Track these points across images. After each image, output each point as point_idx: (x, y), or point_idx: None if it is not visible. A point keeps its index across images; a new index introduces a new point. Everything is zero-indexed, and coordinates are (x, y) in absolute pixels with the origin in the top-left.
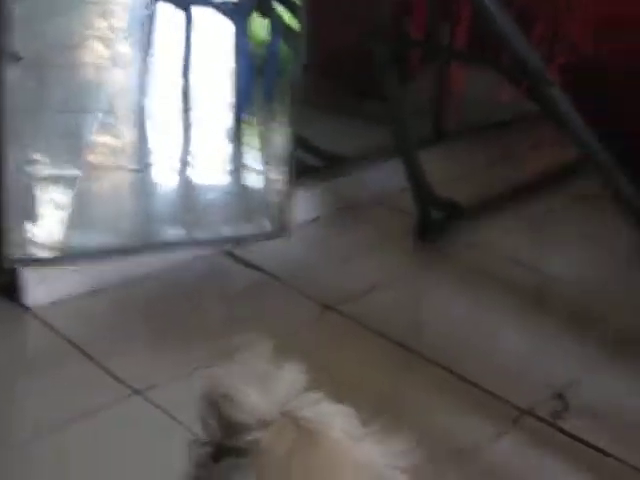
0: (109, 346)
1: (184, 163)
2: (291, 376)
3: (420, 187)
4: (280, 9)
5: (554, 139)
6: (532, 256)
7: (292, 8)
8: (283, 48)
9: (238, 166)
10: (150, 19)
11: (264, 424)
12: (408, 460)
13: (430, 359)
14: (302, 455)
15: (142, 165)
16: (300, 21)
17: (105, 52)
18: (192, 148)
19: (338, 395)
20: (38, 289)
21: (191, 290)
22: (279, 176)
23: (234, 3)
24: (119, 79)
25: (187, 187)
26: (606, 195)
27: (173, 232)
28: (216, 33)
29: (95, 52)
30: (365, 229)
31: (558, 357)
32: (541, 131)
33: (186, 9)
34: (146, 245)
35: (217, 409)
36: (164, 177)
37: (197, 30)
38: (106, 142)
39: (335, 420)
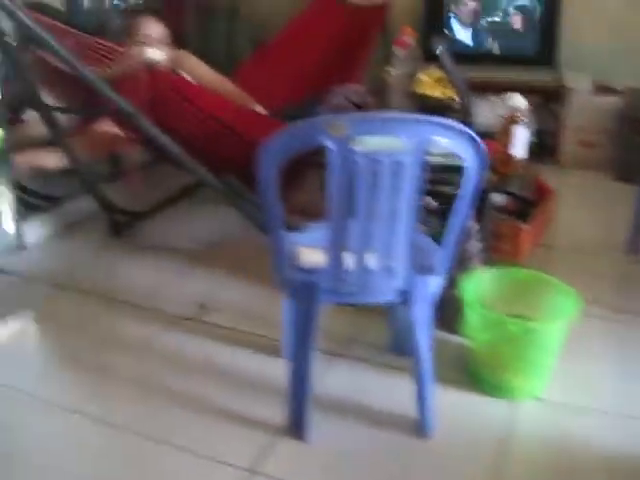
0: None
1: None
2: None
3: (107, 205)
4: None
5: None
6: (184, 234)
7: None
8: None
9: None
10: None
11: None
12: None
13: (123, 300)
14: None
15: None
16: None
17: None
18: None
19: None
20: None
21: None
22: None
23: None
24: None
25: None
26: (214, 198)
27: None
28: None
29: None
30: (79, 237)
31: (199, 283)
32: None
33: None
34: None
35: None
36: None
37: None
38: None
39: None
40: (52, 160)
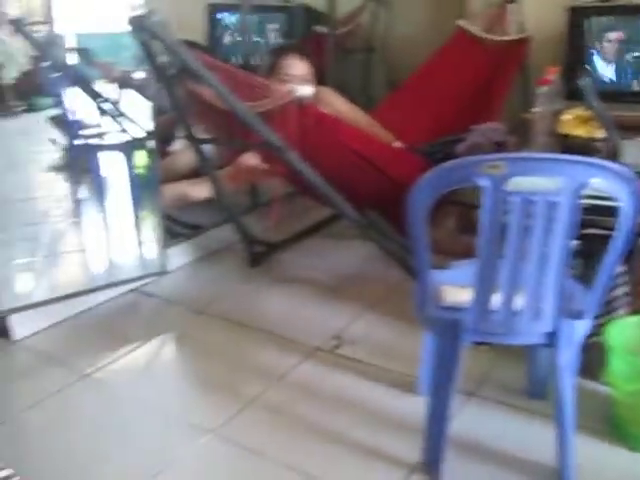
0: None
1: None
2: None
3: (247, 235)
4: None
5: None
6: (319, 266)
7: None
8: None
9: (138, 236)
10: None
11: None
12: None
13: (260, 328)
14: None
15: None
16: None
17: None
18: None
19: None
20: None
21: (121, 309)
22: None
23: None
24: None
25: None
26: (348, 232)
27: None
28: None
29: None
30: (219, 265)
31: (334, 315)
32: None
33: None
34: (88, 289)
35: None
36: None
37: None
38: None
39: None
40: (198, 191)
